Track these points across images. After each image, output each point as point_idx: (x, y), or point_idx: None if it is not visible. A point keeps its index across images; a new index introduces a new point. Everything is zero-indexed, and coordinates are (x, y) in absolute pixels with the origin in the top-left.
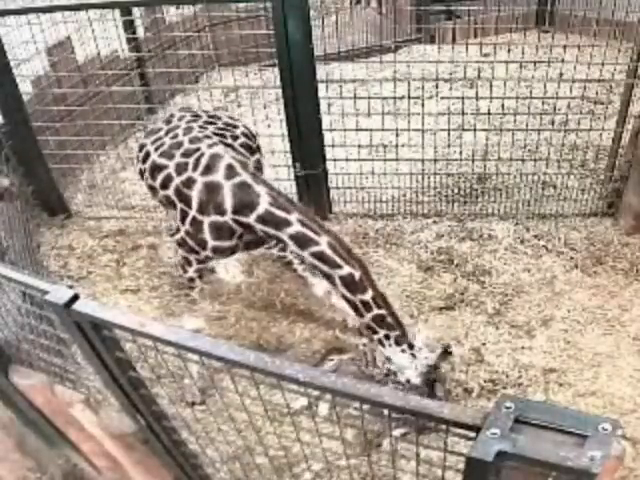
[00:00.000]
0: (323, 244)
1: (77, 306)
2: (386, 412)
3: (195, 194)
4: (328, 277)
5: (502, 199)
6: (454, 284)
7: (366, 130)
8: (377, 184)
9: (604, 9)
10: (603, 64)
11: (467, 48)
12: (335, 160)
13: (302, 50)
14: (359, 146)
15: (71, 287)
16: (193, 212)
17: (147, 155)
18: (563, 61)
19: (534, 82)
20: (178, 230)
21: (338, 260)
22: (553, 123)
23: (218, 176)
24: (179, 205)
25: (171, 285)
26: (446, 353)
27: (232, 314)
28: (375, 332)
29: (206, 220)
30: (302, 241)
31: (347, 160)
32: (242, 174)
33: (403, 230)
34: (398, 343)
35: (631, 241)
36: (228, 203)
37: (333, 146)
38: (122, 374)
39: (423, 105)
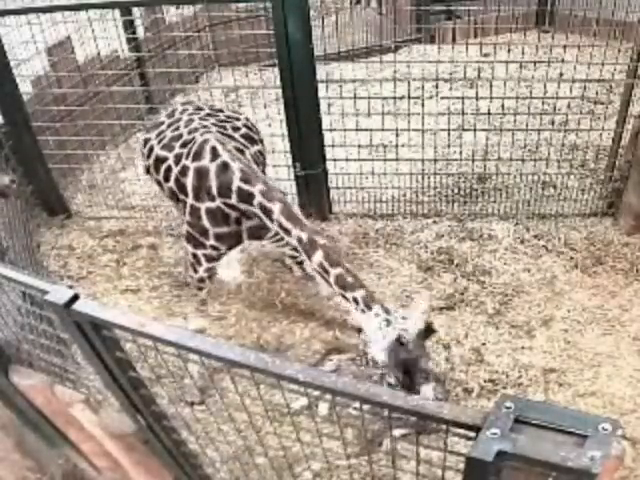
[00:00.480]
0: (276, 211)
1: (77, 306)
2: (386, 412)
3: (189, 181)
4: (289, 242)
5: (502, 199)
6: (454, 284)
7: (366, 130)
8: (377, 184)
9: (604, 9)
10: (603, 64)
11: (467, 48)
12: (335, 160)
13: (302, 50)
14: (359, 146)
15: (71, 287)
16: (190, 200)
17: (151, 149)
18: (563, 61)
19: (534, 82)
20: (184, 224)
21: (289, 225)
22: (553, 123)
23: (205, 160)
24: (180, 196)
25: (171, 285)
26: (430, 331)
27: (232, 314)
28: (346, 298)
29: (202, 207)
30: (265, 211)
31: (347, 160)
32: (222, 154)
33: (403, 230)
34: (368, 305)
35: (631, 241)
36: (214, 187)
37: (333, 146)
38: (122, 374)
39: (423, 105)
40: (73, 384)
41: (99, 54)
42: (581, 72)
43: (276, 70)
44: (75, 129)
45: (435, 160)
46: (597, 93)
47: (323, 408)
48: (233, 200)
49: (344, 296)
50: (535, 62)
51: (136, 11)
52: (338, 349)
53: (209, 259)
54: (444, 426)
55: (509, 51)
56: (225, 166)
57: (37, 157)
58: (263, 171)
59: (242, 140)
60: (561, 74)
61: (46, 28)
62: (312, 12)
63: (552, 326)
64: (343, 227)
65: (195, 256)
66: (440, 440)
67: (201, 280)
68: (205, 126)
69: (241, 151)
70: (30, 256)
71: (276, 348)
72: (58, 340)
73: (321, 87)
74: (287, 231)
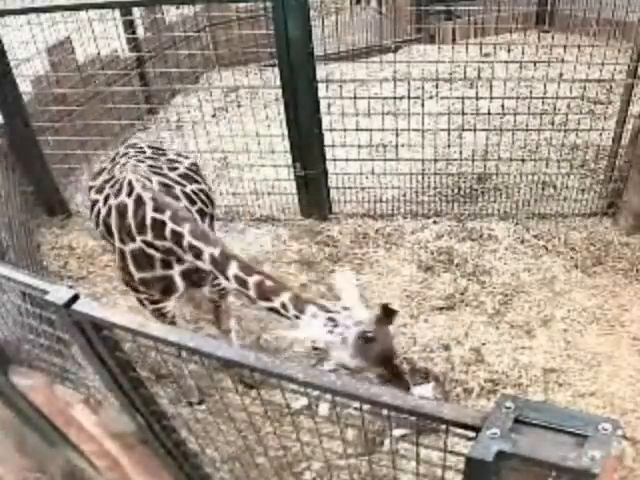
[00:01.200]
0: (186, 232)
1: (77, 306)
2: (385, 412)
3: (113, 222)
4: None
5: (502, 199)
6: (454, 284)
7: (366, 130)
8: (377, 184)
9: (604, 9)
10: (603, 64)
11: (467, 48)
12: (335, 160)
13: (302, 50)
14: (359, 146)
15: (71, 287)
16: (117, 243)
17: (95, 203)
18: (563, 61)
19: (534, 82)
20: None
21: (200, 245)
22: (553, 123)
23: (123, 195)
24: (110, 239)
25: None
26: (390, 312)
27: (232, 314)
28: (273, 309)
29: (126, 249)
30: (174, 238)
31: (347, 160)
32: (136, 187)
33: (403, 230)
34: (300, 309)
35: (631, 241)
36: (132, 224)
37: (333, 146)
38: (122, 374)
39: (423, 105)
40: (73, 384)
41: (99, 54)
42: (581, 72)
43: (276, 70)
44: (75, 129)
45: (435, 160)
46: (597, 93)
47: (323, 408)
48: (149, 236)
49: (271, 307)
50: (535, 62)
51: (136, 11)
52: None
53: (152, 302)
54: (444, 426)
55: (509, 51)
56: (140, 199)
57: (37, 157)
58: (207, 212)
59: (176, 178)
60: (561, 74)
61: (46, 28)
62: (312, 12)
63: (552, 326)
64: (343, 227)
65: (138, 299)
66: (440, 440)
67: (158, 317)
68: (136, 165)
69: (168, 186)
70: (30, 256)
71: (276, 348)
72: (58, 340)
73: (321, 87)
74: (198, 253)
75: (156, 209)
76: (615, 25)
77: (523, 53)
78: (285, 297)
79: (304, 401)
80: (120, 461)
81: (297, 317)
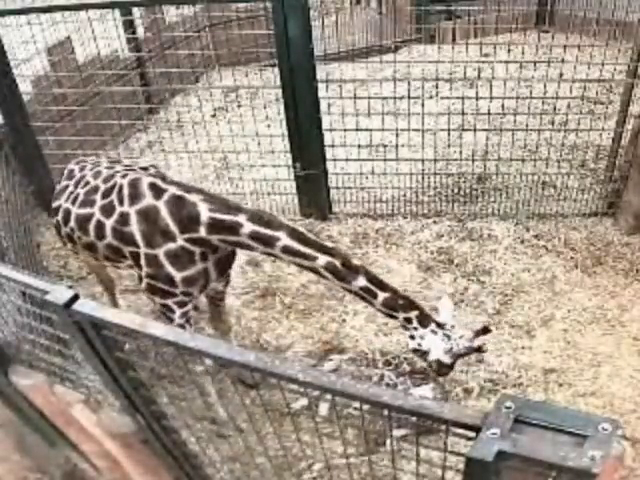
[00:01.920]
0: (284, 238)
1: (77, 306)
2: (386, 412)
3: (135, 229)
4: (311, 270)
5: (502, 199)
6: (454, 284)
7: (366, 130)
8: (377, 184)
9: (604, 9)
10: (603, 64)
11: (467, 48)
12: (335, 160)
13: (302, 50)
14: (359, 146)
15: (71, 287)
16: (143, 249)
17: (67, 214)
18: (563, 61)
19: (534, 82)
20: (140, 278)
21: (308, 251)
22: (553, 123)
23: (148, 199)
24: (126, 249)
25: None
26: (486, 331)
27: (231, 315)
28: (392, 316)
29: (160, 252)
30: (262, 240)
31: (347, 160)
32: (168, 187)
33: (403, 230)
34: (423, 324)
35: (631, 241)
36: (172, 224)
37: (333, 146)
38: (122, 374)
39: (423, 105)
40: (73, 384)
41: (99, 54)
42: (581, 72)
43: (276, 70)
44: (75, 129)
45: (435, 160)
46: (597, 93)
47: (323, 408)
48: (201, 233)
49: (390, 315)
50: (535, 62)
51: (136, 11)
52: (338, 349)
53: (181, 305)
54: (444, 426)
55: (509, 51)
56: (179, 199)
57: (37, 157)
58: None
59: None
60: (561, 74)
61: (46, 28)
62: (312, 12)
63: (552, 326)
64: (343, 227)
65: (165, 306)
66: (440, 440)
67: (181, 327)
68: (117, 171)
69: (164, 177)
70: (30, 256)
71: (276, 348)
72: (58, 340)
73: (321, 87)
74: (307, 257)
75: (217, 210)
76: (615, 25)
77: (523, 53)
78: (413, 314)
79: (304, 401)
80: (120, 461)
81: (415, 329)
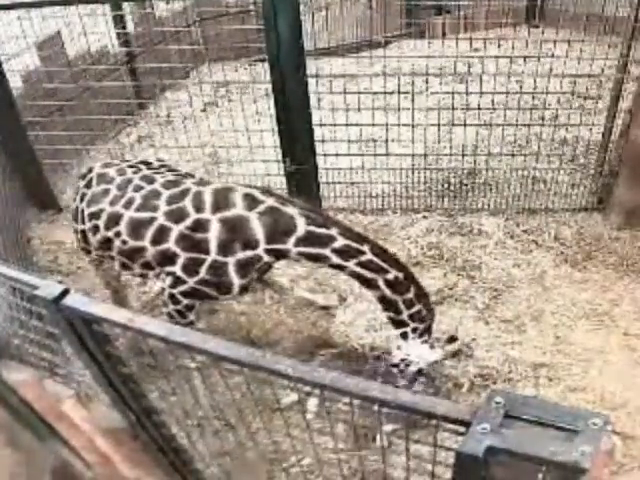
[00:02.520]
0: (368, 252)
1: (67, 301)
2: (376, 407)
3: (213, 235)
4: (369, 282)
5: (492, 194)
6: (444, 279)
7: (356, 125)
8: (367, 179)
9: (594, 4)
10: (593, 59)
11: (457, 43)
12: (325, 155)
13: (292, 45)
14: (349, 141)
15: (61, 282)
16: (212, 256)
17: (116, 217)
18: (553, 56)
19: (524, 77)
20: (179, 283)
21: (385, 265)
22: (543, 118)
23: (238, 209)
24: (185, 255)
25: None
26: (453, 340)
27: (221, 309)
28: (404, 325)
29: (231, 260)
30: (348, 253)
31: (337, 155)
32: (266, 200)
33: (393, 225)
34: (422, 335)
35: (621, 236)
36: (260, 234)
37: (323, 141)
38: (112, 369)
39: (413, 100)
40: (63, 379)
41: (89, 49)
42: (571, 67)
43: (266, 65)
44: (65, 124)
45: (425, 155)
46: (587, 88)
47: (312, 405)
48: (290, 245)
49: (403, 324)
50: (525, 57)
51: (126, 6)
52: (327, 344)
53: (192, 308)
54: (434, 421)
55: (499, 46)
56: (276, 211)
57: (27, 152)
58: None
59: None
60: (551, 69)
61: (36, 23)
62: (302, 7)
63: (542, 321)
64: None
65: (188, 306)
66: (430, 435)
67: (190, 323)
68: (179, 176)
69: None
70: (20, 251)
71: (266, 343)
72: (48, 335)
73: (311, 82)
74: (382, 271)
75: (314, 224)
76: (605, 20)
77: (513, 48)
78: (422, 326)
79: (294, 397)
80: (110, 456)
81: (413, 339)
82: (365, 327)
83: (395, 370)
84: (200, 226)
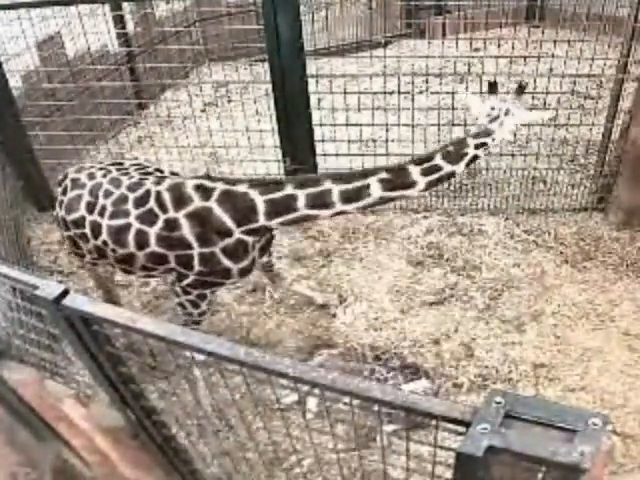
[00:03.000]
0: (333, 187)
1: (67, 301)
2: (376, 407)
3: (187, 232)
4: (378, 203)
5: (492, 194)
6: (444, 279)
7: (356, 125)
8: None
9: (594, 4)
10: (593, 59)
11: (457, 43)
12: (325, 155)
13: (292, 45)
14: (349, 141)
15: (61, 282)
16: (197, 249)
17: (97, 227)
18: (553, 56)
19: (524, 77)
20: (182, 277)
21: (362, 181)
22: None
23: (196, 201)
24: (172, 253)
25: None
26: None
27: (222, 309)
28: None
29: (216, 249)
30: (318, 201)
31: (337, 155)
32: (216, 186)
33: (393, 225)
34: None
35: (621, 236)
36: (228, 221)
37: (323, 141)
38: (112, 369)
39: (413, 100)
40: (63, 379)
41: (89, 49)
42: (571, 67)
43: (266, 65)
44: (65, 124)
45: None
46: (587, 88)
47: (312, 404)
48: (261, 221)
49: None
50: (525, 57)
51: (126, 6)
52: (327, 344)
53: (213, 292)
54: (434, 421)
55: (499, 46)
56: (229, 194)
57: (27, 152)
58: None
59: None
60: (551, 69)
61: (36, 23)
62: (302, 7)
63: (542, 321)
64: (333, 222)
65: (201, 295)
66: (430, 435)
67: (203, 314)
68: (140, 176)
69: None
70: (20, 251)
71: (266, 343)
72: (48, 335)
73: (311, 82)
74: (366, 188)
75: (267, 193)
76: (605, 20)
77: (513, 48)
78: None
79: (294, 397)
80: (110, 456)
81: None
82: (365, 327)
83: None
84: (171, 225)
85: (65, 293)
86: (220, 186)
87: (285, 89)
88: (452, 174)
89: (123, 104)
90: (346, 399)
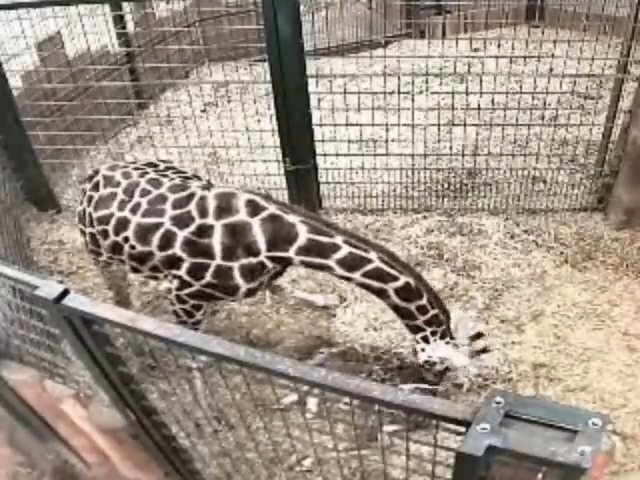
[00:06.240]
0: (375, 260)
1: (67, 301)
2: (376, 407)
3: (216, 241)
4: (379, 292)
5: (492, 194)
6: (444, 279)
7: (356, 125)
8: (367, 179)
9: (594, 4)
10: (593, 59)
11: (457, 43)
12: (325, 155)
13: (292, 45)
14: (349, 141)
15: (61, 282)
16: (217, 261)
17: (124, 223)
18: (553, 56)
19: (524, 77)
20: (185, 285)
21: (394, 272)
22: (543, 118)
23: (241, 215)
24: (190, 260)
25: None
26: (480, 336)
27: (222, 309)
28: (422, 330)
29: (235, 265)
30: (353, 263)
31: (337, 155)
32: (268, 207)
33: (393, 225)
34: (443, 337)
35: (621, 236)
36: (261, 241)
37: (323, 141)
38: (112, 369)
39: (413, 100)
40: (63, 379)
41: (89, 49)
42: (571, 67)
43: (266, 65)
44: (65, 124)
45: (425, 155)
46: (587, 88)
47: (312, 404)
48: (291, 253)
49: (421, 329)
50: (525, 57)
51: (126, 6)
52: (327, 344)
53: (201, 308)
54: (434, 421)
55: (499, 46)
56: (277, 218)
57: (27, 152)
58: None
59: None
60: (551, 69)
61: (36, 23)
62: (302, 7)
63: (542, 321)
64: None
65: (196, 305)
66: (430, 435)
67: (198, 322)
68: (184, 180)
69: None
70: (20, 251)
71: (266, 343)
72: (48, 335)
73: (311, 82)
74: (391, 279)
75: (317, 232)
76: (605, 20)
77: (513, 48)
78: (439, 328)
79: (294, 397)
80: (110, 456)
81: (435, 340)
82: (365, 327)
83: (423, 369)
84: (204, 231)
85: (65, 293)
86: (272, 209)
87: (285, 89)
88: None
89: (123, 104)
90: (346, 399)
